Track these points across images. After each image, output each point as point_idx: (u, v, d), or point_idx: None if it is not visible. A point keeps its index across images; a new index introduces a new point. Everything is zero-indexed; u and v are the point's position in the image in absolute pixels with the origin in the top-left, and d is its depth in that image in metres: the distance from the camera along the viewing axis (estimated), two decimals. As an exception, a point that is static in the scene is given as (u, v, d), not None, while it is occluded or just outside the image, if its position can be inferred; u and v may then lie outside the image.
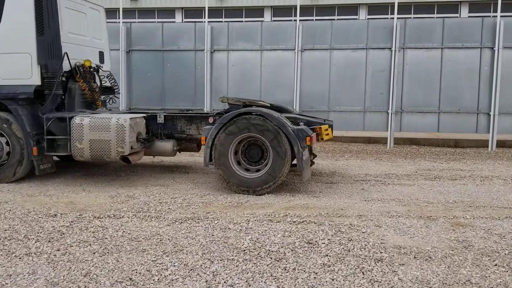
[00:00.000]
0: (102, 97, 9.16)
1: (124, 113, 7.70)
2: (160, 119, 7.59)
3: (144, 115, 7.54)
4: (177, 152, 7.86)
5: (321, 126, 6.89)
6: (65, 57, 7.52)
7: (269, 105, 7.62)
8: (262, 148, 6.63)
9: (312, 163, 7.43)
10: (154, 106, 12.50)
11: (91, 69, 8.29)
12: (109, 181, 7.56)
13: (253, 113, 6.51)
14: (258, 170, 6.64)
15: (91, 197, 6.44)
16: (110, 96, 8.92)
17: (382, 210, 5.75)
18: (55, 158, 7.94)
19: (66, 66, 7.65)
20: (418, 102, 11.68)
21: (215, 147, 6.54)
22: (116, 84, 8.94)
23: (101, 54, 8.98)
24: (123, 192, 6.71)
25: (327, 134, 6.96)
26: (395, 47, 11.48)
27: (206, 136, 6.60)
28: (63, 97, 7.85)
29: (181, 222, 5.22)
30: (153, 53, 12.59)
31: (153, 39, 12.55)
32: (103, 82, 8.77)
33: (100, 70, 8.61)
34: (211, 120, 7.00)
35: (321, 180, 7.61)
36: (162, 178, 7.76)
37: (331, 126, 7.11)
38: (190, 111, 8.26)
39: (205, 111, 8.56)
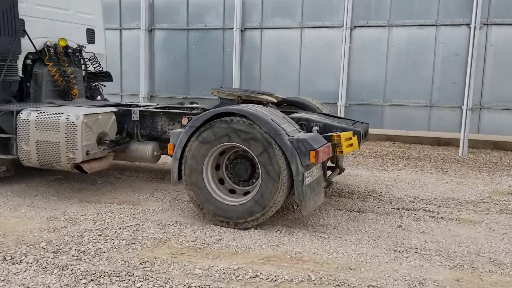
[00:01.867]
0: (95, 84, 7.74)
1: (88, 106, 6.14)
2: (135, 116, 5.93)
3: (115, 109, 5.91)
4: (160, 157, 6.17)
5: (340, 134, 4.82)
6: (25, 36, 6.07)
7: (277, 101, 5.69)
8: (253, 162, 4.74)
9: (338, 172, 5.52)
10: (178, 94, 10.96)
11: (69, 50, 6.82)
12: (74, 191, 6.09)
13: (236, 114, 4.61)
14: (246, 193, 4.77)
15: (24, 219, 4.97)
16: (95, 83, 7.40)
17: (413, 276, 3.65)
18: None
19: (32, 46, 6.26)
20: (504, 96, 9.01)
21: (185, 159, 4.76)
22: (100, 68, 7.42)
23: (90, 32, 7.51)
24: (70, 212, 5.17)
25: (350, 145, 4.88)
26: (475, 23, 8.88)
27: (174, 144, 4.82)
28: (28, 84, 6.46)
29: (91, 280, 3.52)
30: (177, 32, 11.01)
31: (177, 15, 10.94)
32: (92, 66, 7.28)
33: (83, 51, 7.11)
34: (185, 121, 5.20)
35: (346, 206, 5.55)
36: (140, 190, 6.14)
37: (358, 134, 5.00)
38: (178, 106, 6.53)
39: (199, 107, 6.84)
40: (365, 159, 8.64)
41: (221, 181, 4.92)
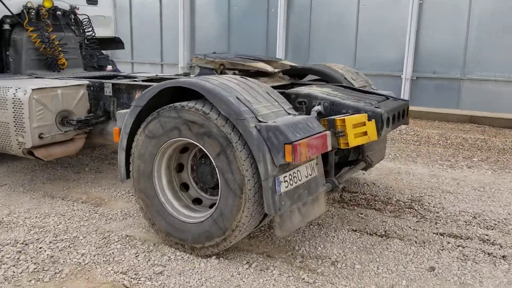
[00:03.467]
0: (101, 52, 6.77)
1: (52, 78, 5.12)
2: (108, 91, 4.80)
3: (85, 82, 4.82)
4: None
5: (346, 117, 3.29)
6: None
7: (284, 69, 4.29)
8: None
9: (363, 166, 4.11)
10: (219, 63, 9.69)
11: (58, 13, 5.84)
12: (50, 180, 5.26)
13: (188, 91, 3.29)
14: (213, 205, 3.46)
15: (-44, 217, 4.11)
16: (99, 52, 6.38)
17: None
18: None
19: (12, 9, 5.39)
20: None
21: (132, 156, 3.55)
22: (93, 33, 6.36)
23: (91, -9, 6.46)
24: (17, 212, 4.29)
25: (362, 134, 3.35)
26: None
27: (120, 129, 3.63)
28: (8, 53, 5.60)
29: None
30: (218, -8, 9.70)
31: (218, -28, 9.61)
32: (88, 30, 6.28)
33: (75, 13, 6.09)
34: (138, 96, 3.92)
35: (367, 224, 4.01)
36: (120, 185, 5.08)
37: (377, 117, 3.43)
38: (172, 77, 5.29)
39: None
40: (430, 148, 6.84)
41: (186, 186, 3.65)
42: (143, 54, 11.03)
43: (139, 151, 3.48)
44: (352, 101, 3.67)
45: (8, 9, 5.38)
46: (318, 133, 3.12)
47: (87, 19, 6.23)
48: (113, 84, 4.76)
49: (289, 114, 3.32)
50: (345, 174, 3.97)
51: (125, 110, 3.62)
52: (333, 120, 3.36)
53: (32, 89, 4.28)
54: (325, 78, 4.76)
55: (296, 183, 3.09)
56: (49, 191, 4.85)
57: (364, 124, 3.34)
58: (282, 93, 3.79)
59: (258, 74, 4.33)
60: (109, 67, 7.08)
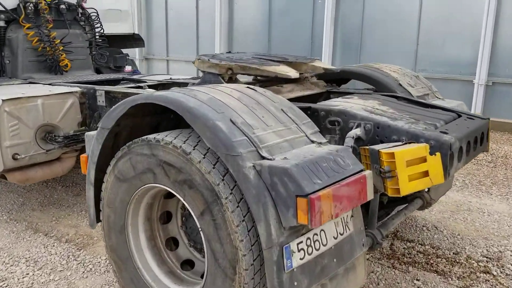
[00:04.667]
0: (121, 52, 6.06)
1: (34, 85, 4.37)
2: (101, 100, 3.99)
3: (76, 89, 4.04)
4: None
5: (396, 150, 2.26)
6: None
7: (317, 73, 3.32)
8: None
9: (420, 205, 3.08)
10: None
11: (61, 7, 5.15)
12: (42, 208, 4.54)
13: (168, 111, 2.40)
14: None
15: None
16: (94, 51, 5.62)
17: None
18: None
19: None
20: None
21: (103, 200, 2.69)
22: (102, 30, 5.59)
23: (104, -20, 5.72)
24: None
25: (422, 176, 2.32)
26: None
27: (88, 156, 2.78)
28: (3, 54, 4.95)
29: None
30: (258, -18, 8.76)
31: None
32: (97, 27, 5.55)
33: (82, 6, 5.37)
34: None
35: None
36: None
37: (445, 148, 2.37)
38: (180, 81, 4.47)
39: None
40: (509, 172, 5.56)
41: (175, 242, 2.75)
42: (179, 51, 10.31)
43: (108, 197, 2.61)
44: (406, 121, 2.62)
45: (1, 4, 4.72)
46: (353, 175, 2.11)
47: (95, 13, 5.47)
48: (106, 92, 3.94)
49: (312, 142, 2.34)
50: (394, 220, 2.92)
51: (93, 132, 2.77)
52: (377, 152, 2.34)
53: (3, 100, 3.53)
54: (372, 83, 3.72)
55: (318, 250, 2.11)
56: (35, 221, 4.12)
57: (424, 160, 2.29)
58: (307, 110, 2.80)
59: (281, 80, 3.36)
60: (128, 68, 6.34)
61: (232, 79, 3.18)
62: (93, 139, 2.66)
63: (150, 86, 4.51)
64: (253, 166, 2.00)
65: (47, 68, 5.08)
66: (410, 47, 7.11)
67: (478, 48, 6.52)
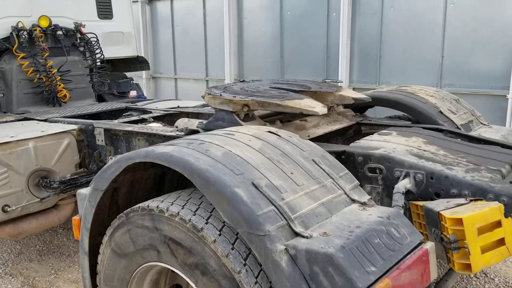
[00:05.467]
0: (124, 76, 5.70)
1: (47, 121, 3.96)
2: (100, 139, 3.57)
3: (73, 127, 3.63)
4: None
5: (464, 215, 1.78)
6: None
7: (344, 103, 2.91)
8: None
9: None
10: (270, 77, 8.31)
11: (58, 33, 4.78)
12: (41, 259, 4.12)
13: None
14: None
15: None
16: (100, 78, 5.22)
17: None
18: None
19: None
20: None
21: (99, 274, 2.25)
22: (102, 56, 5.20)
23: (104, 3, 5.36)
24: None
25: (497, 245, 1.84)
26: None
27: (80, 219, 2.34)
28: (-7, 86, 4.59)
29: None
30: (268, -4, 8.36)
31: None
32: (97, 53, 5.16)
33: (81, 31, 4.99)
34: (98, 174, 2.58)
35: None
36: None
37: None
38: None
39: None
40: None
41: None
42: (187, 69, 9.92)
43: (105, 272, 2.18)
44: (465, 168, 2.15)
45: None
46: (412, 250, 1.66)
47: (95, 38, 5.09)
48: (105, 130, 3.53)
49: (352, 201, 1.89)
50: (447, 282, 2.44)
51: (85, 190, 2.33)
52: (437, 215, 1.87)
53: (-15, 144, 3.13)
54: (409, 112, 3.27)
55: None
56: (32, 276, 3.71)
57: (498, 224, 1.82)
58: (340, 154, 2.35)
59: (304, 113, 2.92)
60: (133, 93, 5.96)
61: (248, 116, 2.74)
62: (85, 202, 2.22)
63: (155, 118, 4.11)
64: (286, 249, 1.55)
65: (44, 100, 4.70)
66: (434, 59, 6.62)
67: (511, 58, 6.02)
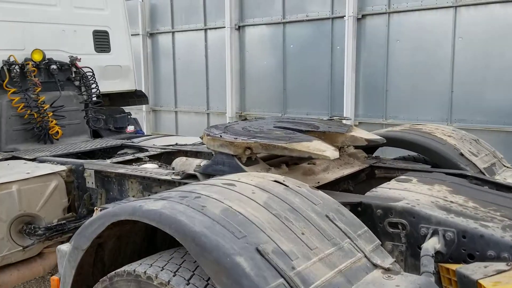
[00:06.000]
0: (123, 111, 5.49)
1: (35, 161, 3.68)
2: (91, 181, 3.31)
3: (61, 168, 3.37)
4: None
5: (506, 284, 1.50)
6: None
7: (354, 145, 2.64)
8: None
9: None
10: (274, 111, 8.16)
11: (52, 67, 4.59)
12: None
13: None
14: None
15: None
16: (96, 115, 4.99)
17: None
18: None
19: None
20: None
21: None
22: (97, 91, 4.99)
23: (101, 36, 5.21)
24: None
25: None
26: None
27: (59, 280, 2.05)
28: (-16, 122, 4.34)
29: None
30: (271, 29, 8.25)
31: (270, 6, 8.15)
32: (93, 88, 4.95)
33: (76, 65, 4.80)
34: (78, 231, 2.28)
35: None
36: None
37: None
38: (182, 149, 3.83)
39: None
40: None
41: None
42: (188, 102, 9.74)
43: None
44: (501, 224, 1.87)
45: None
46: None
47: (91, 72, 4.89)
48: (96, 172, 3.26)
49: (374, 266, 1.62)
50: None
51: (65, 246, 2.06)
52: (474, 284, 1.59)
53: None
54: (427, 154, 3.01)
55: None
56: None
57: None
58: (356, 206, 2.08)
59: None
60: (130, 128, 5.72)
61: (251, 159, 2.48)
62: (65, 261, 1.94)
63: (152, 156, 3.86)
64: None
65: (35, 137, 4.46)
66: (443, 93, 6.42)
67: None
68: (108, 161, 3.59)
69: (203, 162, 3.63)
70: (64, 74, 4.79)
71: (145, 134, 6.25)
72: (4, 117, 4.32)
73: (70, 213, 3.41)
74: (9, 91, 4.31)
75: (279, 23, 8.02)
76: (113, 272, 1.76)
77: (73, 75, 4.86)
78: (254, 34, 8.50)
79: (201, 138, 2.67)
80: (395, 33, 6.81)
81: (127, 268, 1.71)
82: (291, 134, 2.60)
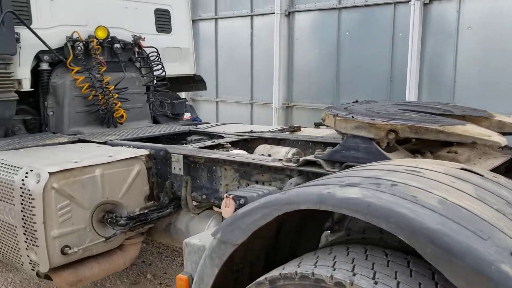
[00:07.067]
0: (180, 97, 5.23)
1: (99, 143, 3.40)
2: (178, 167, 3.02)
3: (143, 152, 3.08)
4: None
5: None
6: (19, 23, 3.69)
7: None
8: None
9: None
10: (324, 102, 7.79)
11: (116, 46, 4.31)
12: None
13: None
14: None
15: None
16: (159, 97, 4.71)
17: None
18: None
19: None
20: None
21: None
22: (163, 72, 4.71)
23: (163, 16, 4.93)
24: None
25: None
26: None
27: (188, 278, 1.75)
28: (46, 103, 4.08)
29: None
30: (324, 15, 7.86)
31: (324, -10, 7.79)
32: (156, 68, 4.68)
33: (140, 45, 4.52)
34: (226, 211, 1.97)
35: None
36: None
37: None
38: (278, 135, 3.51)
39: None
40: None
41: None
42: (230, 92, 9.45)
43: None
44: None
45: (44, 42, 3.86)
46: None
47: (156, 53, 4.61)
48: (185, 156, 2.97)
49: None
50: None
51: (197, 239, 1.75)
52: None
53: (50, 173, 2.58)
54: None
55: None
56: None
57: None
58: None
59: (444, 143, 2.31)
60: (187, 115, 5.42)
61: (389, 145, 2.15)
62: (204, 257, 1.63)
63: (231, 143, 3.54)
64: None
65: (99, 120, 4.19)
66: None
67: None
68: (190, 146, 3.30)
69: (291, 151, 3.36)
70: (126, 55, 4.51)
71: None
72: (67, 98, 4.06)
73: (152, 202, 3.13)
74: (73, 70, 4.04)
75: (334, 8, 7.64)
76: (276, 274, 1.46)
77: (136, 56, 4.58)
78: (305, 21, 8.14)
79: (323, 120, 2.34)
80: (466, 19, 6.38)
81: (299, 269, 1.40)
82: (430, 117, 2.27)
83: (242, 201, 1.86)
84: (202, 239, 1.76)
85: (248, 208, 1.50)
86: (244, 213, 1.51)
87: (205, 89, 5.64)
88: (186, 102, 5.49)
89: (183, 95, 6.55)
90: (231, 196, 1.88)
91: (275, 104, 8.46)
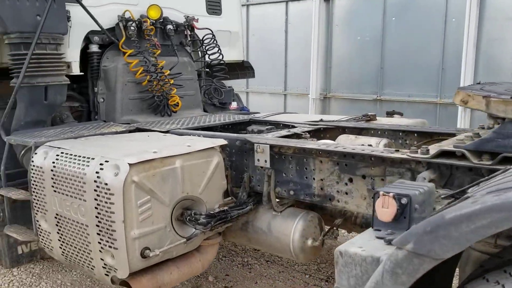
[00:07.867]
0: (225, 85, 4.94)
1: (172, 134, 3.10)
2: (262, 158, 2.70)
3: (221, 142, 2.77)
4: (320, 250, 2.88)
5: None
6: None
7: None
8: None
9: None
10: (365, 93, 7.47)
11: (168, 27, 4.01)
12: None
13: None
14: None
15: None
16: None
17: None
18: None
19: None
20: None
21: None
22: (220, 56, 4.40)
23: (217, -7, 4.62)
24: None
25: None
26: None
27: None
28: (95, 89, 3.78)
29: None
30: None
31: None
32: (213, 52, 4.38)
33: (194, 27, 4.22)
34: (384, 214, 1.64)
35: None
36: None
37: None
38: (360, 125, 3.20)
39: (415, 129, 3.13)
40: None
41: None
42: (261, 82, 9.12)
43: None
44: None
45: (97, 22, 3.56)
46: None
47: (211, 36, 4.30)
48: (271, 147, 2.65)
49: None
50: None
51: (358, 249, 1.43)
52: None
53: (130, 164, 2.28)
54: None
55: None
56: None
57: None
58: None
59: None
60: (234, 105, 5.12)
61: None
62: (381, 273, 1.32)
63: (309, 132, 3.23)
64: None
65: (153, 108, 3.89)
66: None
67: None
68: (268, 135, 2.99)
69: (382, 141, 3.04)
70: (178, 37, 4.20)
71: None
72: (119, 83, 3.76)
73: (230, 198, 2.83)
74: (126, 52, 3.74)
75: (379, -7, 7.30)
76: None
77: (188, 39, 4.27)
78: (345, 6, 7.80)
79: (464, 102, 2.01)
80: (528, 2, 6.03)
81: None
82: None
83: (404, 200, 1.54)
84: (366, 248, 1.44)
85: (467, 211, 1.17)
86: (455, 217, 1.18)
87: (253, 76, 5.33)
88: (234, 91, 5.18)
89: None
90: (390, 194, 1.56)
91: (312, 95, 8.14)
